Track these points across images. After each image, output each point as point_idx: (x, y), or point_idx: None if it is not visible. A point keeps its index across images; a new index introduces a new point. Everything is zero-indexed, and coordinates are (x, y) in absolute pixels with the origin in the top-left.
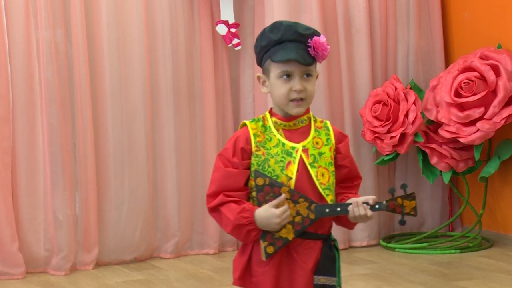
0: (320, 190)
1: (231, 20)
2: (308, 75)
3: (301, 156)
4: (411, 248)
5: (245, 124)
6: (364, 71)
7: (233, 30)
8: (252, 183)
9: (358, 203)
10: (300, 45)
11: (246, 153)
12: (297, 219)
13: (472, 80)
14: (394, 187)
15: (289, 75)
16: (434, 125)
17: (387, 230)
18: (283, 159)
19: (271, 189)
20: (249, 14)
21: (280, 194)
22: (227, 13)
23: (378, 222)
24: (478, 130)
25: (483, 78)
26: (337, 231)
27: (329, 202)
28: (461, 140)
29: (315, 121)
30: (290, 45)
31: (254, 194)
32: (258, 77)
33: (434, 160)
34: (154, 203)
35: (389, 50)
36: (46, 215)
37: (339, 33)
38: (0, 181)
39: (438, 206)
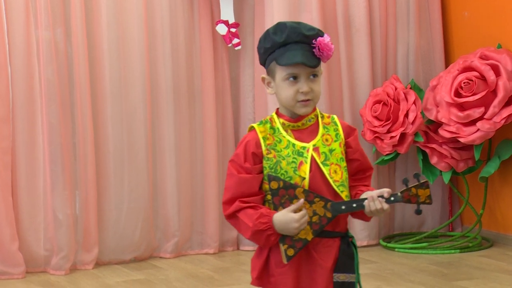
0: (335, 187)
1: (231, 20)
2: (314, 75)
3: (312, 155)
4: (411, 248)
5: (253, 128)
6: (364, 71)
7: (233, 29)
8: (266, 186)
9: (374, 197)
10: (305, 46)
11: (258, 158)
12: (314, 219)
13: (472, 80)
14: (408, 178)
15: (295, 77)
16: (434, 125)
17: (387, 230)
18: (294, 159)
19: (285, 192)
20: (249, 13)
21: (295, 195)
22: (227, 12)
23: (378, 222)
24: (478, 130)
25: (483, 78)
26: None
27: (344, 199)
28: (461, 140)
29: (322, 117)
30: (295, 47)
31: (269, 197)
32: (263, 79)
33: (434, 160)
34: (154, 202)
35: (389, 50)
36: (46, 214)
37: (339, 33)
38: (0, 181)
39: (438, 206)
